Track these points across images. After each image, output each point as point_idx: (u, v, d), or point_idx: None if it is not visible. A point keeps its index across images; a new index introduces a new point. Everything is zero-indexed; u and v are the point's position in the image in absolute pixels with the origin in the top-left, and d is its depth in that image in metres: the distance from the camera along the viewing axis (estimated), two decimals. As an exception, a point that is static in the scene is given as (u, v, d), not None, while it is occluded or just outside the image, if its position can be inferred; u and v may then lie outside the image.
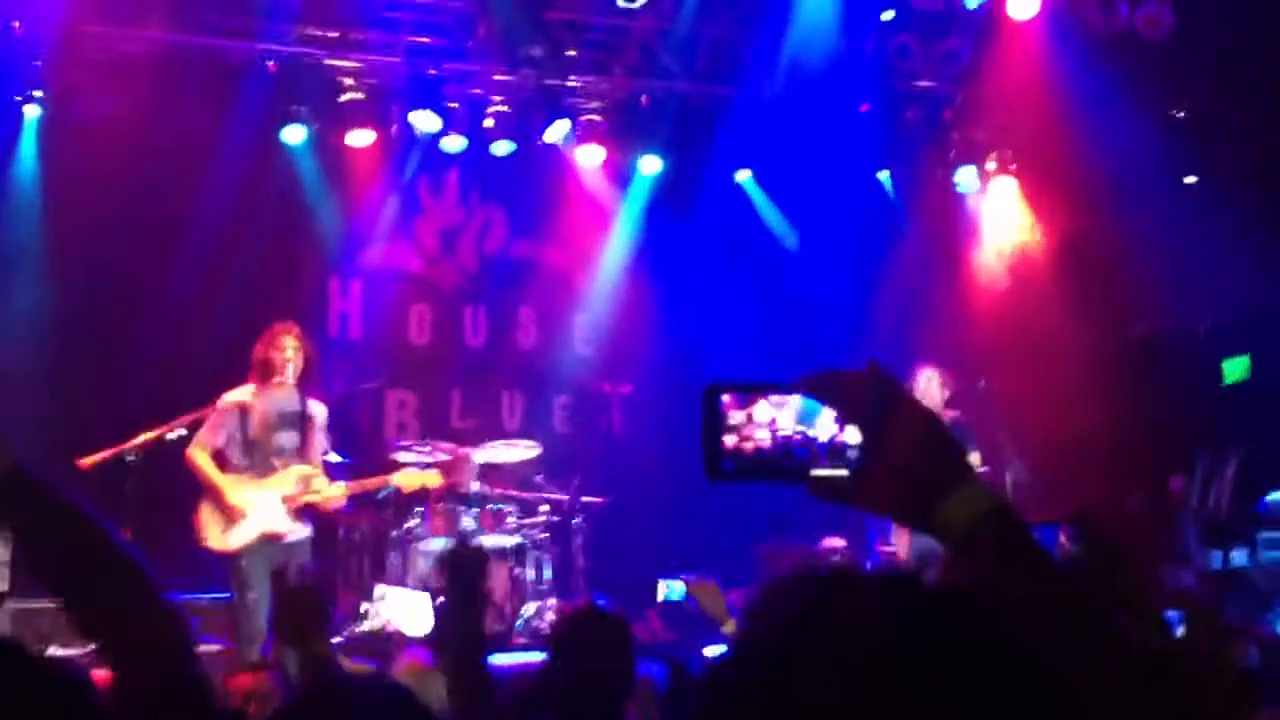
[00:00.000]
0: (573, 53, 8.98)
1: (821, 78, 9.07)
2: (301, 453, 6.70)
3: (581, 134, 9.49)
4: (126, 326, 8.59)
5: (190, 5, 8.38)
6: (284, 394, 6.66)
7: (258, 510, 6.52)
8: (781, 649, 0.99)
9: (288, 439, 6.67)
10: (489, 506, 8.30)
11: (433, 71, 8.94)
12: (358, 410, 9.15)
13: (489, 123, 9.34)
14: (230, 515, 6.47)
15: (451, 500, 8.19)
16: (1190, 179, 9.68)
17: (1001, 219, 10.49)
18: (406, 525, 8.12)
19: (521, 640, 7.68)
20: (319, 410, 6.85)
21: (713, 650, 5.90)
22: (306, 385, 6.73)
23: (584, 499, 8.60)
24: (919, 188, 10.52)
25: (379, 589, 7.69)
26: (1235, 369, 9.64)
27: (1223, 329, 9.60)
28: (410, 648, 7.05)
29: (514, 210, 10.39)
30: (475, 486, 8.32)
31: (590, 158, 9.71)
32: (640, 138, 9.69)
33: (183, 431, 6.54)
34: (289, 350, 6.62)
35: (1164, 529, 8.65)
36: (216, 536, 6.47)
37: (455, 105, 9.21)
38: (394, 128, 9.26)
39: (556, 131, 9.38)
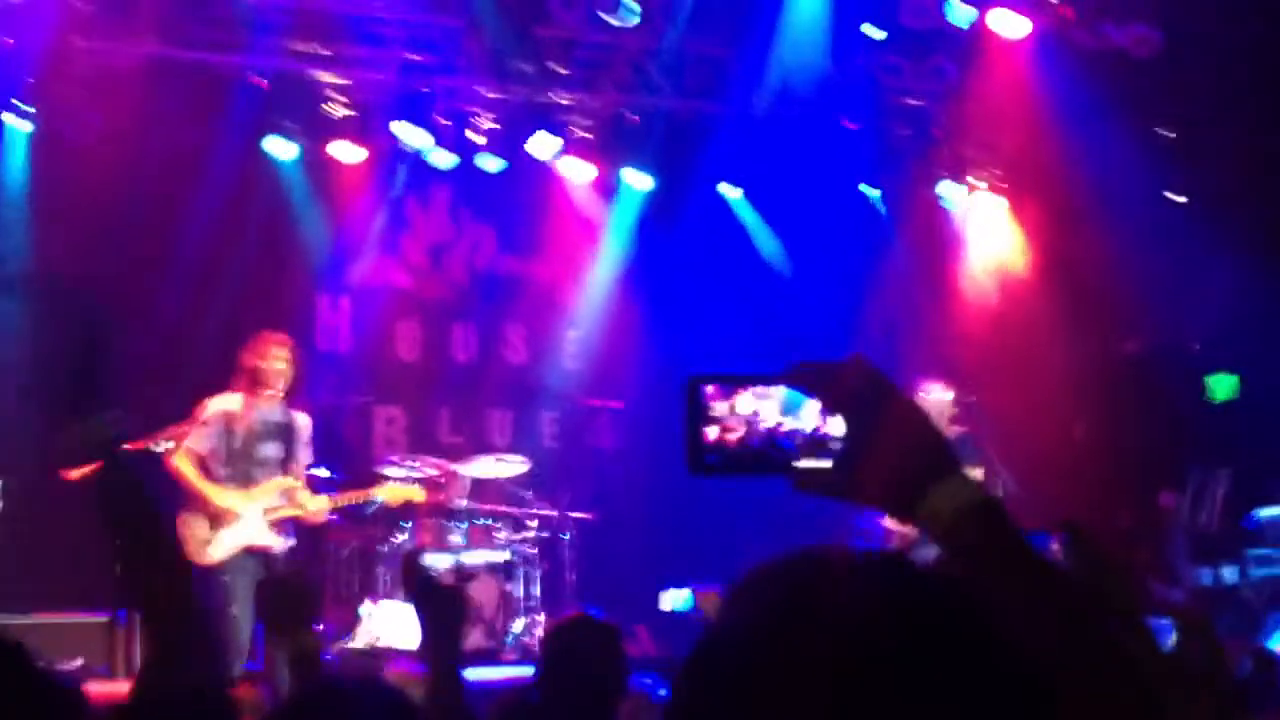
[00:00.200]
0: (562, 69, 8.99)
1: (810, 94, 9.09)
2: (284, 465, 6.66)
3: (571, 150, 9.50)
4: (113, 341, 8.54)
5: (179, 20, 8.37)
6: (270, 405, 6.63)
7: (240, 522, 6.47)
8: (765, 637, 0.96)
9: (272, 450, 6.64)
10: (478, 522, 8.29)
11: (423, 88, 8.95)
12: (346, 426, 9.13)
13: (478, 139, 9.34)
14: (216, 520, 6.41)
15: (440, 516, 8.17)
16: (1177, 197, 9.71)
17: (989, 236, 10.51)
18: (394, 540, 8.09)
19: (511, 656, 7.66)
20: (303, 422, 6.82)
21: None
22: (291, 397, 6.70)
23: (573, 514, 8.59)
24: (907, 204, 10.54)
25: (365, 607, 7.66)
26: (1224, 387, 9.66)
27: (1211, 346, 9.62)
28: (398, 660, 7.02)
29: (503, 226, 10.38)
30: (464, 503, 8.31)
31: (579, 174, 9.71)
32: (629, 154, 9.69)
33: (169, 444, 6.51)
34: (280, 362, 6.59)
35: (1154, 545, 8.65)
36: (197, 550, 6.40)
37: (445, 121, 9.20)
38: (383, 143, 9.25)
39: (541, 145, 9.36)
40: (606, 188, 10.07)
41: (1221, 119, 9.36)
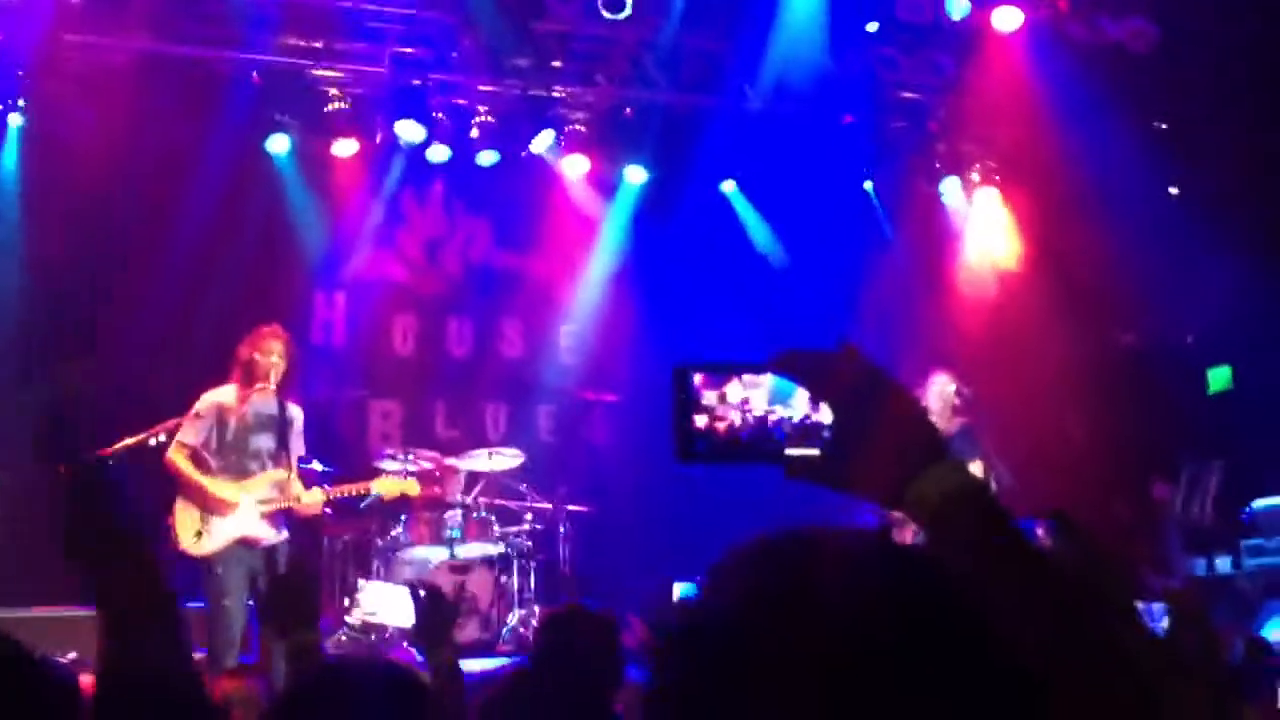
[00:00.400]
0: (558, 63, 8.98)
1: (806, 88, 9.08)
2: (277, 457, 6.66)
3: (567, 144, 9.49)
4: (109, 336, 8.53)
5: (174, 15, 8.35)
6: (264, 397, 6.62)
7: (233, 514, 6.47)
8: (756, 623, 0.95)
9: (265, 442, 6.63)
10: (474, 515, 8.29)
11: (417, 82, 8.92)
12: (341, 420, 9.12)
13: (474, 133, 9.33)
14: (209, 512, 6.41)
15: (436, 509, 8.18)
16: (1173, 190, 9.72)
17: (985, 229, 10.51)
18: (390, 533, 8.11)
19: (507, 648, 7.68)
20: (297, 414, 6.81)
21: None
22: (285, 390, 6.69)
23: (569, 508, 8.60)
24: (903, 198, 10.54)
25: (361, 583, 7.69)
26: (1219, 379, 9.67)
27: (1207, 339, 9.63)
28: (396, 648, 7.04)
29: (499, 220, 10.38)
30: (460, 496, 8.32)
31: (575, 168, 9.70)
32: (625, 148, 9.69)
33: (164, 439, 6.51)
34: (275, 355, 6.58)
35: (1148, 535, 8.66)
36: (191, 542, 6.39)
37: (440, 115, 9.19)
38: (378, 138, 9.24)
39: (541, 142, 9.37)
40: (602, 182, 10.07)
41: (1219, 116, 9.36)
